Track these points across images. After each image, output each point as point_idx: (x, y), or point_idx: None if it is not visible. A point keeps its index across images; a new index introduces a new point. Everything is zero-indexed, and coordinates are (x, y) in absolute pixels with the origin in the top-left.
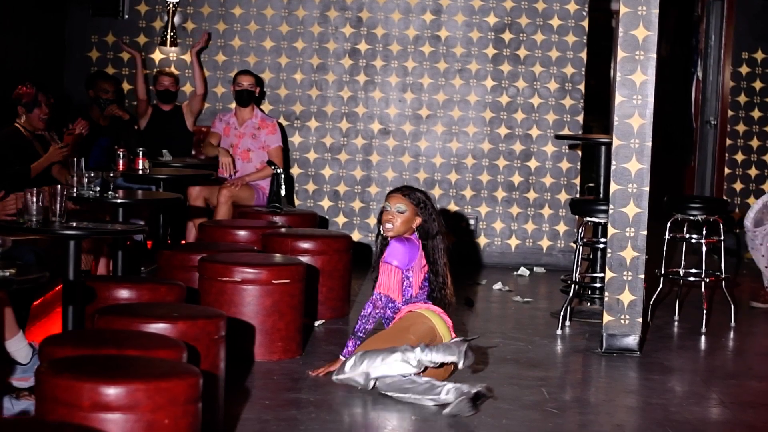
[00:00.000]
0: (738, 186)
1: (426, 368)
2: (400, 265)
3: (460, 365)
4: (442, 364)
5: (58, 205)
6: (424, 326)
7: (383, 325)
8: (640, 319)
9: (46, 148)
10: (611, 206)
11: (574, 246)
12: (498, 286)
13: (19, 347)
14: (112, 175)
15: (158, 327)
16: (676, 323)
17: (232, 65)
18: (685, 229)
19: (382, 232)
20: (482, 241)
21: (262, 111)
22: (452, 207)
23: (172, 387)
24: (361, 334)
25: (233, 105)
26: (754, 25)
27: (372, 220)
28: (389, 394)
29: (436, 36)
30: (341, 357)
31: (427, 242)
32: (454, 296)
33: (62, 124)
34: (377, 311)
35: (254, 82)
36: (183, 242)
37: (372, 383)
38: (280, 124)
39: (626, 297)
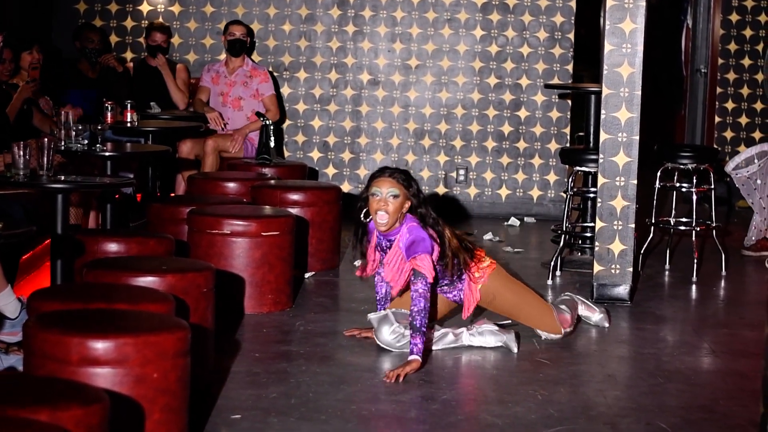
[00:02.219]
0: (728, 134)
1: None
2: (431, 250)
3: (515, 349)
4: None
5: (45, 159)
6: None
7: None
8: (631, 269)
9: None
10: (601, 155)
11: (565, 195)
12: (488, 236)
13: (7, 302)
14: (100, 127)
15: (147, 280)
16: (666, 272)
17: (220, 16)
18: (675, 177)
19: (366, 221)
20: (472, 191)
21: (252, 60)
22: (442, 157)
23: (161, 341)
24: (424, 329)
25: (222, 56)
26: None
27: (362, 171)
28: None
29: None
30: (416, 357)
31: (433, 227)
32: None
33: (53, 78)
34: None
35: (246, 33)
36: (172, 195)
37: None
38: (271, 73)
39: (617, 246)
